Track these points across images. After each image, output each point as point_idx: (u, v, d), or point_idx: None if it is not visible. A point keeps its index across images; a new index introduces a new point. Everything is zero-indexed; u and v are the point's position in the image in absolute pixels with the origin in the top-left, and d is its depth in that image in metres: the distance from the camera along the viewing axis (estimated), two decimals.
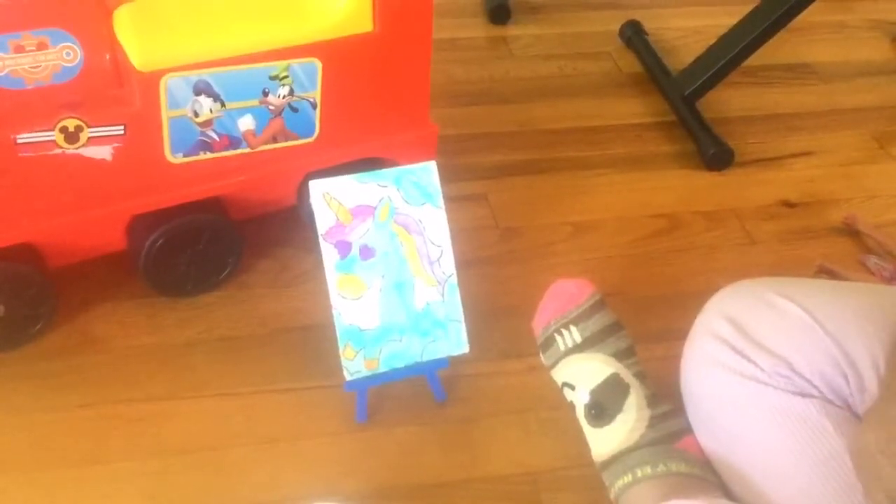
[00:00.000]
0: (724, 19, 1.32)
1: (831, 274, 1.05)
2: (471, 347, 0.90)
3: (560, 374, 0.86)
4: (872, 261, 1.09)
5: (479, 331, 0.92)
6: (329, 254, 0.86)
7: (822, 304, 0.78)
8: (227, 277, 1.00)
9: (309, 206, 0.87)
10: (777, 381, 0.75)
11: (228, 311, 0.99)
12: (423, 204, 0.88)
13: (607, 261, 1.09)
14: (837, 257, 1.09)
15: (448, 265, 0.89)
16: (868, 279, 1.06)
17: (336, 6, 0.90)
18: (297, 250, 1.05)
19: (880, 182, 1.23)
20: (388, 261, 0.87)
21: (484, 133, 1.26)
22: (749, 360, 0.77)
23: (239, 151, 0.94)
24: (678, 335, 0.84)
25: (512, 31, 1.47)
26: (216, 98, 0.89)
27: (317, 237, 0.86)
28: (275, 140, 0.95)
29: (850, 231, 1.14)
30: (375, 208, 0.87)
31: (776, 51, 1.36)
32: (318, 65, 0.92)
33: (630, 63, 1.42)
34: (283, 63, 0.90)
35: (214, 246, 0.97)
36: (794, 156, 1.27)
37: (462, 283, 0.89)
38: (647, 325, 0.91)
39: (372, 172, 0.87)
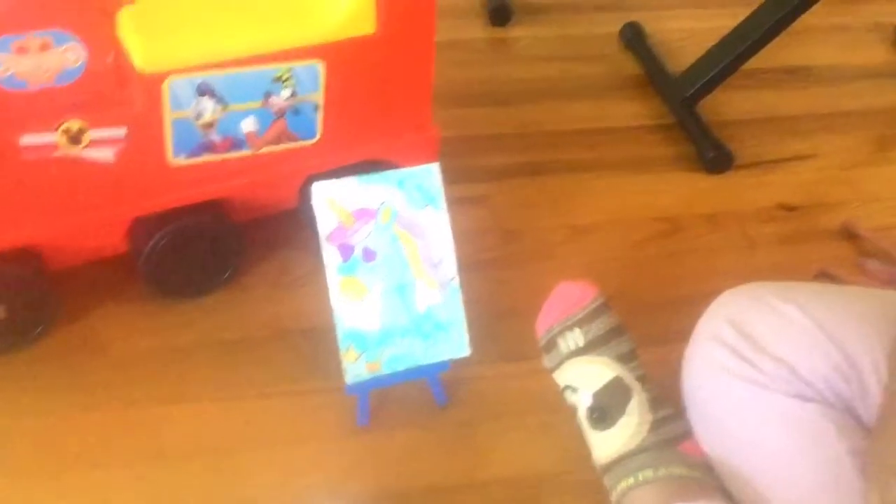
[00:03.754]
0: (725, 21, 1.32)
1: (831, 278, 1.05)
2: (472, 350, 0.90)
3: (562, 376, 0.86)
4: (872, 264, 1.09)
5: (481, 334, 0.92)
6: (331, 256, 0.86)
7: (824, 308, 0.79)
8: (228, 280, 1.00)
9: (310, 208, 0.87)
10: (779, 385, 0.76)
11: (229, 313, 0.99)
12: (424, 206, 0.88)
13: (608, 263, 1.09)
14: (837, 261, 1.09)
15: (450, 268, 0.89)
16: (867, 283, 1.06)
17: (339, 8, 0.90)
18: (297, 252, 1.05)
19: (880, 186, 1.23)
20: (390, 263, 0.87)
21: (484, 135, 1.26)
22: (751, 363, 0.77)
23: (241, 153, 0.94)
24: (679, 338, 0.84)
25: (513, 32, 1.47)
26: (219, 100, 0.89)
27: (318, 239, 0.86)
28: (277, 142, 0.95)
29: (850, 235, 1.14)
30: (377, 211, 0.87)
31: (777, 53, 1.35)
32: (321, 67, 0.92)
33: (630, 65, 1.42)
34: (286, 65, 0.90)
35: (215, 248, 0.97)
36: (793, 159, 1.27)
37: (463, 286, 0.89)
38: (647, 328, 0.91)
39: (374, 175, 0.87)
